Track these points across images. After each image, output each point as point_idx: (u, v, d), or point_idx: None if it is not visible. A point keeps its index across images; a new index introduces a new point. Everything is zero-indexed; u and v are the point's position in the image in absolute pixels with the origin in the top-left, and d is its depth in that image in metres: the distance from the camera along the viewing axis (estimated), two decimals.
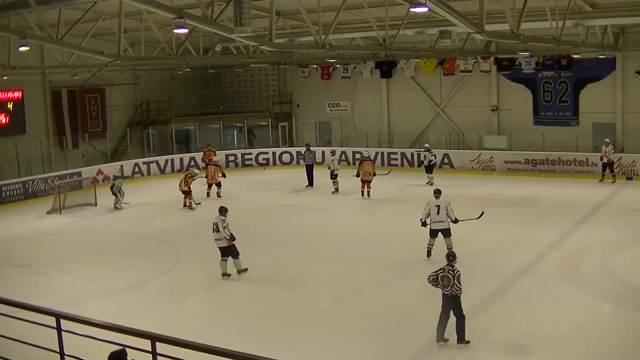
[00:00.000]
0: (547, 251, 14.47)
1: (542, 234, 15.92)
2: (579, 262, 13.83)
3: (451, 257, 9.77)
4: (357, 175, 21.23)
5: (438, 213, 13.64)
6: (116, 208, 21.06)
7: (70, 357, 7.05)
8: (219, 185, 22.46)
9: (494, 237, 16.05)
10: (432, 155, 23.67)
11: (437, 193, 13.98)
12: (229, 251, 13.31)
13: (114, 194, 21.06)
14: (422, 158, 24.11)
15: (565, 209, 18.84)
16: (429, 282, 9.73)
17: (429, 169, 23.52)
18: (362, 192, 21.25)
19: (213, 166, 22.88)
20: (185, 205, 20.83)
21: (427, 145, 24.64)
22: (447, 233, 13.68)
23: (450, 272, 9.51)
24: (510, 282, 12.54)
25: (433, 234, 13.83)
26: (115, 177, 21.33)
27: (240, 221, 19.18)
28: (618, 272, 12.96)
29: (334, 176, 22.44)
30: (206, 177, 22.67)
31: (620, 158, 23.14)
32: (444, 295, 9.61)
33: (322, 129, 31.25)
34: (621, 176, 22.91)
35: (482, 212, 14.46)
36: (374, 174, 21.21)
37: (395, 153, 27.72)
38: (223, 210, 13.51)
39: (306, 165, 24.10)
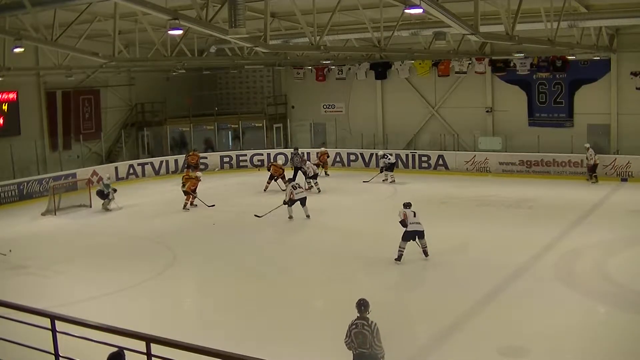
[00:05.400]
0: (542, 252, 14.48)
1: (537, 235, 15.92)
2: (574, 263, 13.86)
3: (362, 306, 7.52)
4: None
5: (415, 216, 13.81)
6: (106, 209, 20.98)
7: (65, 358, 7.05)
8: (187, 195, 20.90)
9: (489, 238, 16.09)
10: (389, 158, 24.76)
11: (408, 206, 13.99)
12: (305, 200, 18.44)
13: (106, 195, 20.97)
14: (381, 164, 24.84)
15: (560, 210, 18.86)
16: (346, 345, 7.57)
17: (390, 168, 24.57)
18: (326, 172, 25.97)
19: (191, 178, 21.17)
20: (191, 205, 20.89)
21: (381, 152, 25.74)
22: (422, 235, 13.80)
23: (365, 327, 7.40)
24: (506, 283, 12.53)
25: (408, 236, 13.73)
26: (106, 185, 21.21)
27: (235, 222, 19.27)
28: (613, 273, 12.97)
29: (314, 177, 23.32)
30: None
31: (615, 159, 23.21)
32: (355, 355, 7.54)
33: (317, 131, 31.27)
34: (616, 177, 23.03)
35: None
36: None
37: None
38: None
39: (294, 167, 24.29)
